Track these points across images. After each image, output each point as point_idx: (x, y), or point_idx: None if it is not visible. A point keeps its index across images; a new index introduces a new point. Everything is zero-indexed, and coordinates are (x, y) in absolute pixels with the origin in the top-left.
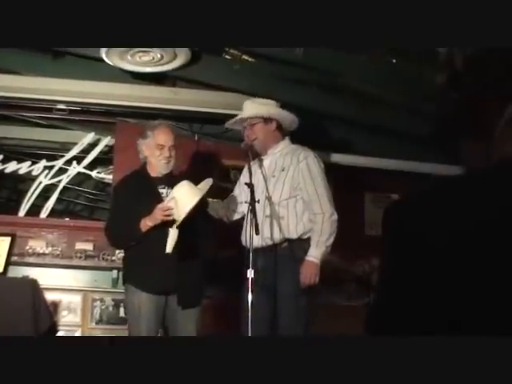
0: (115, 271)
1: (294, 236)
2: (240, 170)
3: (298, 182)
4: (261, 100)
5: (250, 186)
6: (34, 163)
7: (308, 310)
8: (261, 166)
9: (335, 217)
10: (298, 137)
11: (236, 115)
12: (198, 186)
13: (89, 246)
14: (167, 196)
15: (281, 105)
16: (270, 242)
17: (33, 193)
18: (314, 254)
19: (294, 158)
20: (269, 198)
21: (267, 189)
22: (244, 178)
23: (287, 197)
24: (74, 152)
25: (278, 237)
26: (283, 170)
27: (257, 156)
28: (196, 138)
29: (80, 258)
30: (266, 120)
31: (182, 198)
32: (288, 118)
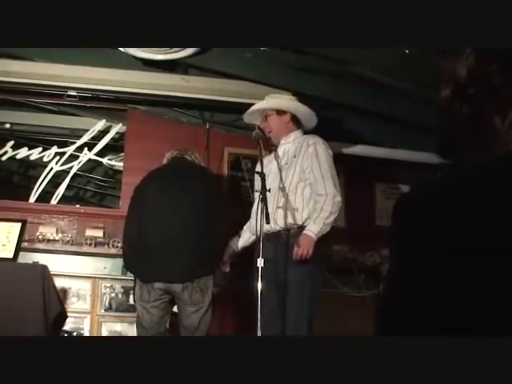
0: None
1: (300, 222)
2: (251, 158)
3: (307, 165)
4: (278, 94)
5: (261, 174)
6: (45, 149)
7: (314, 298)
8: (276, 156)
9: (338, 199)
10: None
11: (248, 104)
12: None
13: (99, 233)
14: None
15: (298, 98)
16: (277, 228)
17: (44, 179)
18: (312, 229)
19: (305, 143)
20: (282, 188)
21: (281, 178)
22: (258, 168)
23: (297, 181)
24: (85, 139)
25: (284, 223)
26: (295, 157)
27: (268, 145)
28: (207, 127)
29: (90, 244)
30: (280, 112)
31: None
32: (302, 110)
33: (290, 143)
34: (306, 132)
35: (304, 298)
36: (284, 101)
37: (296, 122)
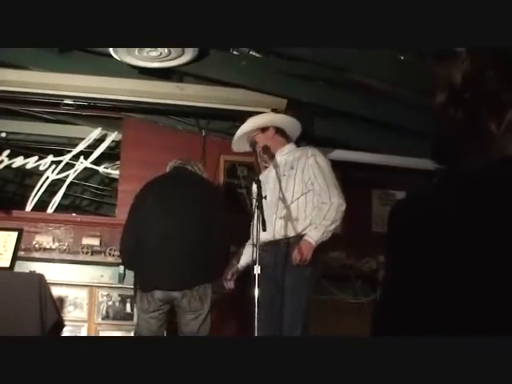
0: (122, 267)
1: (299, 230)
2: (247, 165)
3: (309, 176)
4: (256, 115)
5: (257, 182)
6: (41, 158)
7: (308, 302)
8: (275, 165)
9: (343, 207)
10: (307, 133)
11: (243, 111)
12: None
13: (95, 242)
14: None
15: (284, 110)
16: (277, 237)
17: (40, 188)
18: (312, 235)
19: (303, 155)
20: (283, 199)
21: (281, 188)
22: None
23: (299, 194)
24: (81, 147)
25: (285, 233)
26: (292, 168)
27: (262, 161)
28: (203, 134)
29: (86, 253)
30: (263, 129)
31: None
32: (282, 120)
33: (285, 155)
34: (297, 141)
35: (301, 303)
36: (262, 117)
37: (282, 133)
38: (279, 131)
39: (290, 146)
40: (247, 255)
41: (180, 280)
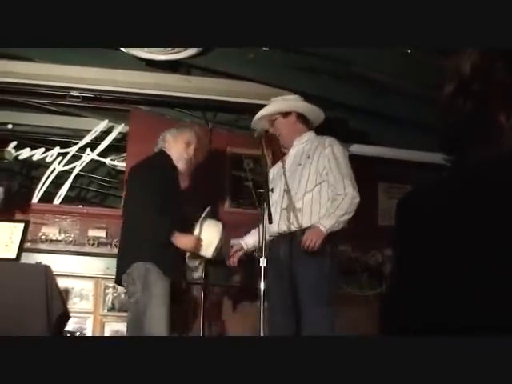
0: None
1: (314, 221)
2: (253, 158)
3: (324, 166)
4: (283, 97)
5: (264, 175)
6: (47, 150)
7: (331, 299)
8: (285, 160)
9: (357, 199)
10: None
11: (250, 104)
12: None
13: (101, 233)
14: None
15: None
16: (292, 229)
17: (46, 179)
18: (323, 223)
19: (320, 145)
20: (291, 190)
21: (286, 181)
22: (270, 169)
23: (313, 185)
24: (87, 139)
25: (299, 225)
26: (308, 158)
27: (279, 148)
28: (210, 127)
29: (92, 245)
30: (285, 114)
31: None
32: (305, 106)
33: (303, 144)
34: (317, 130)
35: (322, 299)
36: (286, 102)
37: (303, 120)
38: (300, 117)
39: (310, 134)
40: (255, 236)
41: (117, 266)
